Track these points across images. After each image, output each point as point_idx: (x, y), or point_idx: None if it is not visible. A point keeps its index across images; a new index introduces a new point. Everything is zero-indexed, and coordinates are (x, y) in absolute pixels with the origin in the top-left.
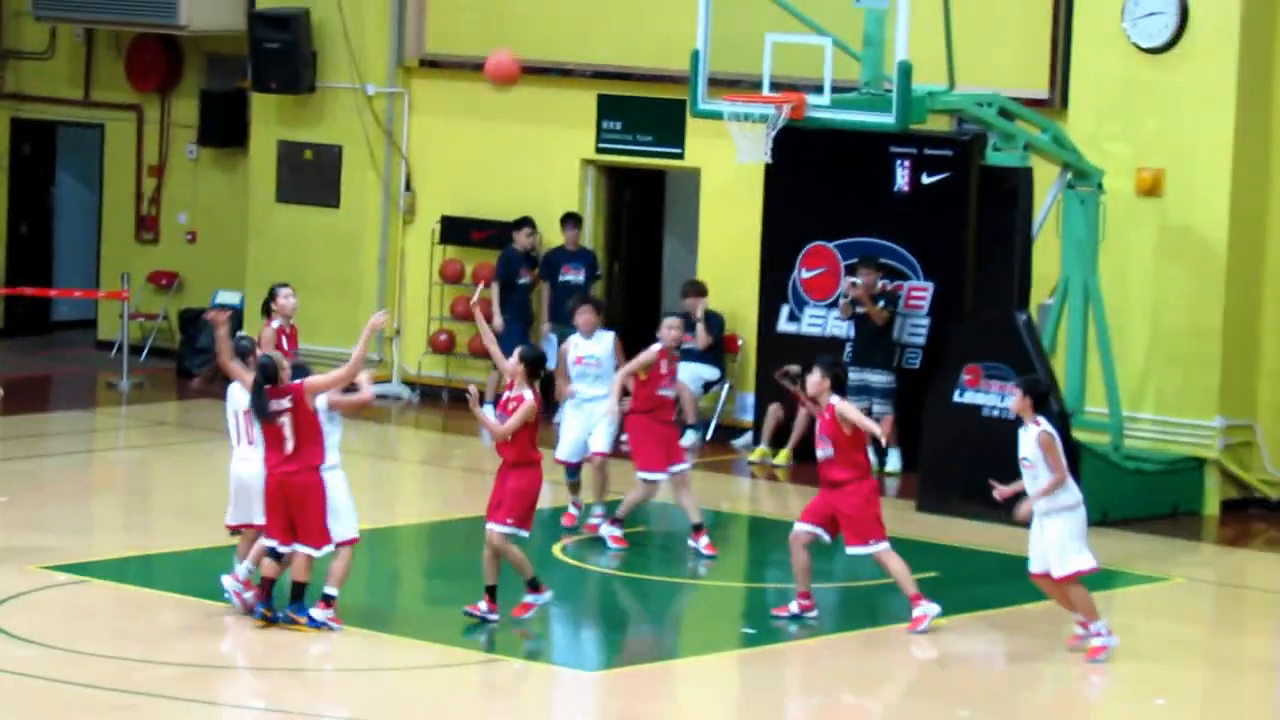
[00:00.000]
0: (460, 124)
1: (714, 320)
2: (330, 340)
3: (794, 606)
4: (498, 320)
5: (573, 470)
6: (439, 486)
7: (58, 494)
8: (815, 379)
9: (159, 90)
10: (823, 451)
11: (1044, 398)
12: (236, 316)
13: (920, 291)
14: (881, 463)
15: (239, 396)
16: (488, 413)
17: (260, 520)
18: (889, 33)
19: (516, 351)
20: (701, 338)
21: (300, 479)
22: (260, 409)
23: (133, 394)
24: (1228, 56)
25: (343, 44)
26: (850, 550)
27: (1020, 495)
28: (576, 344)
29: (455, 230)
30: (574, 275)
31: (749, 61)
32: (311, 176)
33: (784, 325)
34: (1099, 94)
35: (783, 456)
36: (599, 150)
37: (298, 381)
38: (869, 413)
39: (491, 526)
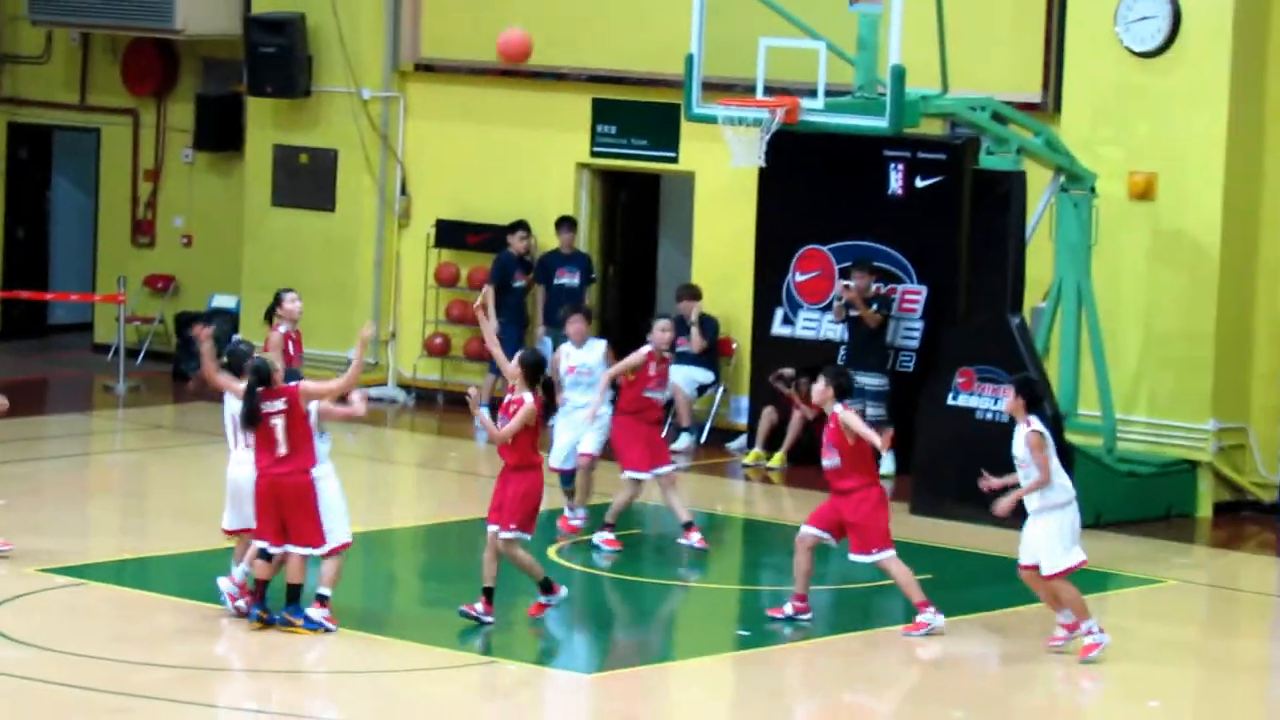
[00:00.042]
0: (455, 128)
1: (708, 323)
2: (326, 344)
3: (789, 608)
4: (493, 323)
5: (567, 478)
6: (434, 489)
7: (54, 497)
8: (819, 387)
9: (155, 94)
10: (829, 460)
11: (1037, 398)
12: (232, 320)
13: (914, 295)
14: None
15: (236, 401)
16: (487, 415)
17: None
18: (882, 37)
19: (517, 355)
20: (696, 341)
21: (292, 480)
22: (251, 413)
23: (129, 397)
24: (1220, 60)
25: (338, 48)
26: (853, 557)
27: (1007, 489)
28: (568, 353)
29: (450, 234)
30: (569, 279)
31: (743, 65)
32: (307, 180)
33: (778, 328)
34: (1092, 98)
35: (777, 459)
36: (594, 154)
37: (293, 384)
38: (862, 415)
39: (493, 530)
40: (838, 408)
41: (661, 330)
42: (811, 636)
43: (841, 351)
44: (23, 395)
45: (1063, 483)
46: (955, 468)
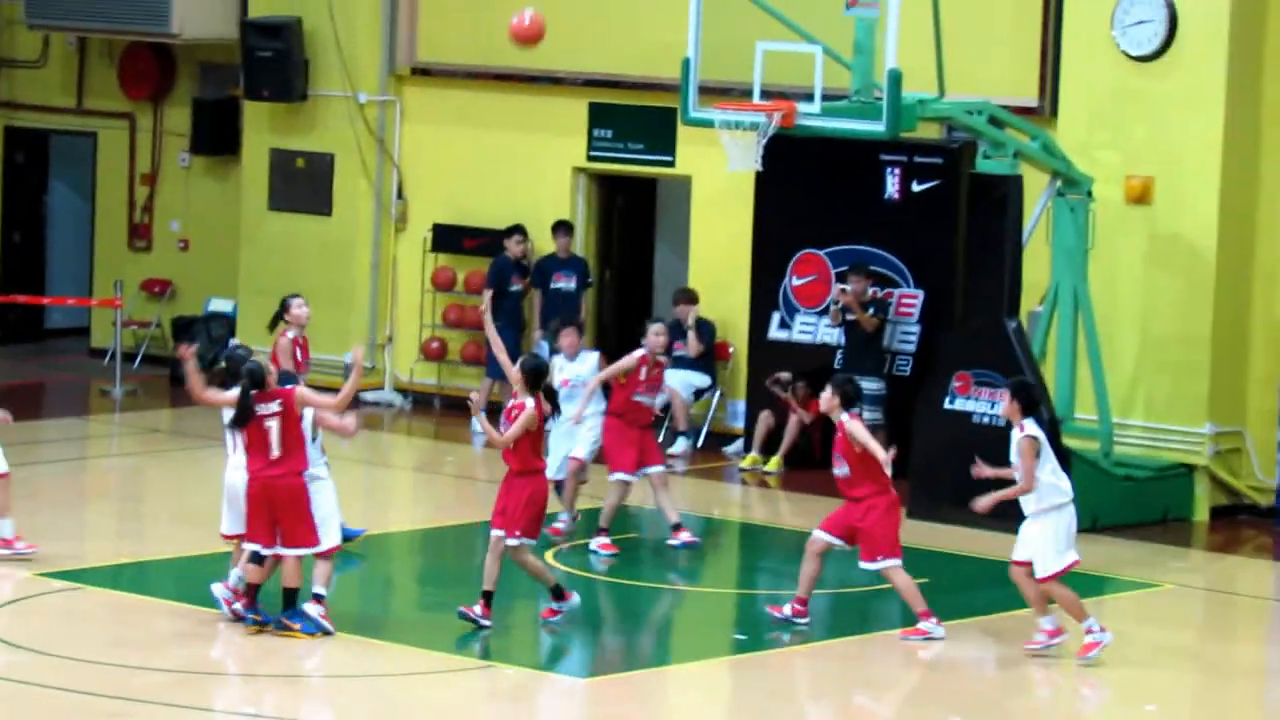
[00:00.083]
0: (452, 132)
1: (705, 328)
2: (323, 348)
3: (788, 609)
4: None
5: (560, 488)
6: (431, 493)
7: (51, 501)
8: (826, 395)
9: (152, 98)
10: (839, 470)
11: (1033, 402)
12: (229, 324)
13: (910, 299)
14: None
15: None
16: (487, 421)
17: None
18: (879, 41)
19: (519, 361)
20: (693, 345)
21: (284, 483)
22: (244, 415)
23: (126, 401)
24: (1216, 64)
25: (334, 52)
26: (861, 564)
27: (1001, 483)
28: (561, 366)
29: (447, 238)
30: (565, 283)
31: (740, 69)
32: (304, 184)
33: (775, 333)
34: (1088, 102)
35: (773, 464)
36: (590, 158)
37: (288, 387)
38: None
39: (497, 534)
40: (844, 417)
41: (655, 334)
42: (809, 640)
43: (838, 356)
44: (19, 399)
45: (1060, 484)
46: (952, 472)
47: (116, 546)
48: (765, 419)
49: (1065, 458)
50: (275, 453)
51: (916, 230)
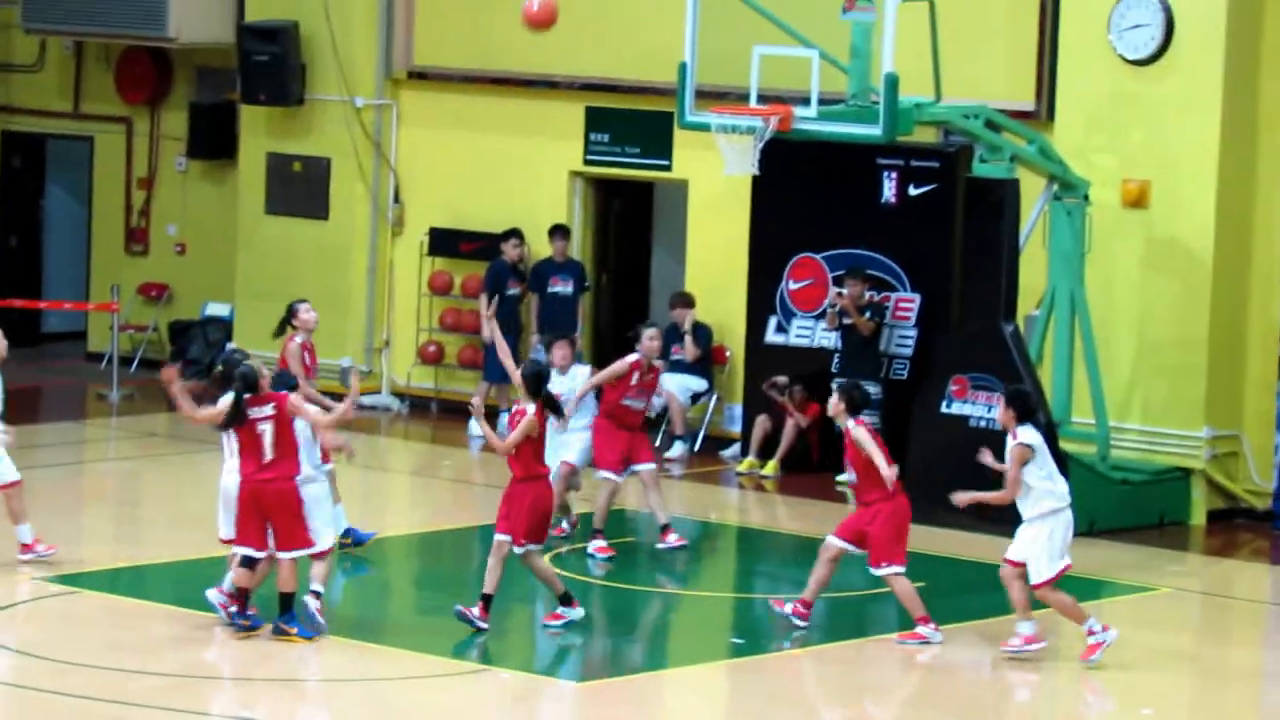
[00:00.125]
0: (448, 136)
1: (702, 332)
2: (320, 352)
3: (789, 607)
4: (486, 331)
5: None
6: (428, 497)
7: (49, 505)
8: (833, 401)
9: (148, 103)
10: (849, 475)
11: (1028, 410)
12: (226, 328)
13: (907, 302)
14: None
15: None
16: (489, 427)
17: None
18: (876, 45)
19: (521, 367)
20: (690, 350)
21: (276, 487)
22: (236, 418)
23: (123, 405)
24: (1213, 68)
25: (331, 56)
26: (870, 568)
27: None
28: (552, 380)
29: (444, 242)
30: (562, 286)
31: (736, 74)
32: (300, 188)
33: (772, 336)
34: (1085, 106)
35: (770, 468)
36: (587, 162)
37: (282, 392)
38: None
39: (502, 539)
40: (850, 423)
41: (649, 339)
42: (806, 644)
43: (835, 359)
44: (16, 404)
45: (1056, 490)
46: (949, 476)
47: (114, 550)
48: (762, 423)
49: (1062, 461)
50: (268, 456)
51: (913, 234)
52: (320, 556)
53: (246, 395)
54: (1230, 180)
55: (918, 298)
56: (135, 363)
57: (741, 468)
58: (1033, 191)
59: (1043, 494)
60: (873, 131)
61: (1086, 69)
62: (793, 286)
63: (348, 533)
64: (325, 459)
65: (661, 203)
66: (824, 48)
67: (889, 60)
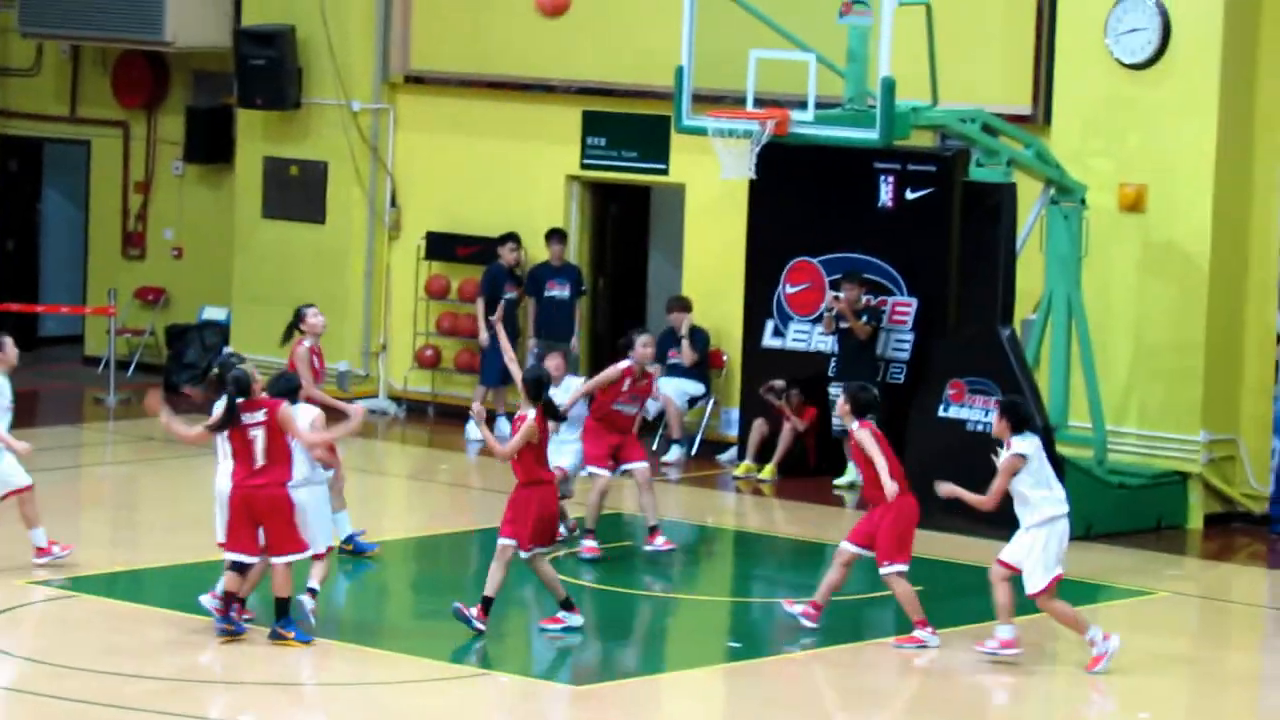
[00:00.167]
0: (445, 140)
1: (699, 336)
2: None
3: (799, 608)
4: (483, 335)
5: None
6: (425, 501)
7: (45, 509)
8: (840, 403)
9: (145, 107)
10: (858, 476)
11: (1022, 420)
12: (222, 332)
13: (904, 307)
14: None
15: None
16: (490, 434)
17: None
18: (872, 49)
19: (523, 371)
20: (687, 355)
21: (267, 493)
22: (226, 421)
23: (120, 409)
24: (1209, 72)
25: (328, 60)
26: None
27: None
28: None
29: (440, 246)
30: (559, 290)
31: (733, 77)
32: (297, 192)
33: (769, 340)
34: (1082, 110)
35: (767, 471)
36: (584, 166)
37: (275, 399)
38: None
39: (508, 544)
40: (854, 425)
41: (643, 345)
42: (803, 648)
43: (832, 363)
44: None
45: (1052, 497)
46: (945, 479)
47: (111, 554)
48: (759, 427)
49: (1059, 466)
50: (259, 462)
51: (910, 238)
52: (319, 558)
53: (240, 400)
54: (1227, 184)
55: (914, 302)
56: (132, 367)
57: (738, 471)
58: (1030, 195)
59: (1038, 502)
60: (869, 135)
61: (1083, 73)
62: (789, 290)
63: (349, 539)
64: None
65: (658, 207)
66: (821, 51)
67: (886, 64)
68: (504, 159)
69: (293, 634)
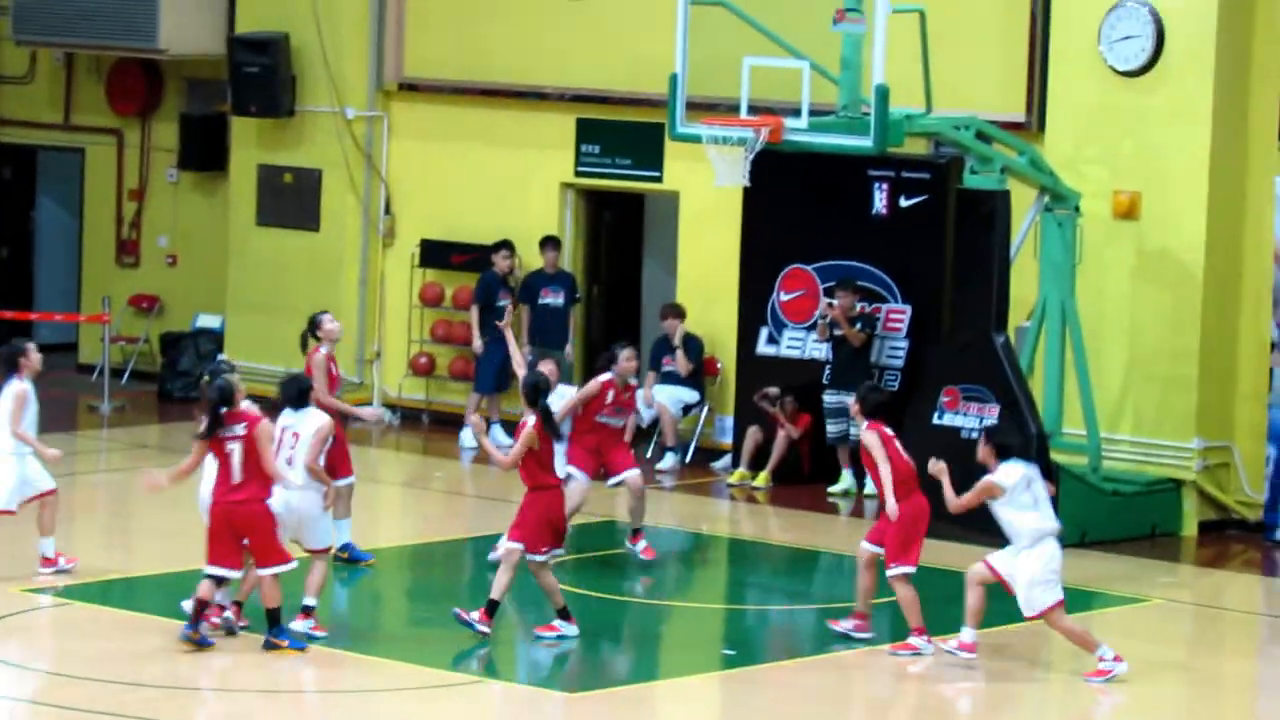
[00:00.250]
0: (439, 147)
1: (693, 343)
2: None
3: (848, 624)
4: (477, 343)
5: None
6: (420, 508)
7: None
8: (851, 403)
9: (139, 114)
10: (851, 483)
11: (1006, 446)
12: (217, 339)
13: (898, 314)
14: (861, 485)
15: None
16: (490, 444)
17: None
18: (866, 56)
19: (522, 378)
20: (682, 364)
21: (246, 509)
22: (209, 430)
23: (114, 417)
24: (1203, 79)
25: (322, 68)
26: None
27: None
28: None
29: (435, 253)
30: (553, 298)
31: (727, 85)
32: (291, 200)
33: (763, 348)
34: (1076, 117)
35: (762, 479)
36: (578, 174)
37: (256, 415)
38: (846, 436)
39: (513, 547)
40: (862, 426)
41: (626, 359)
42: (798, 655)
43: (826, 371)
44: None
45: (1036, 520)
46: (940, 487)
47: (105, 562)
48: (753, 434)
49: (1053, 474)
50: (237, 478)
51: (904, 245)
52: (319, 555)
53: (222, 409)
54: (1221, 191)
55: (909, 309)
56: (126, 374)
57: (733, 479)
58: (1024, 203)
59: (1021, 525)
60: (863, 143)
61: (1077, 80)
62: (784, 298)
63: (345, 547)
64: (345, 473)
65: (652, 214)
66: (814, 59)
67: (879, 71)
68: (498, 166)
69: (287, 642)
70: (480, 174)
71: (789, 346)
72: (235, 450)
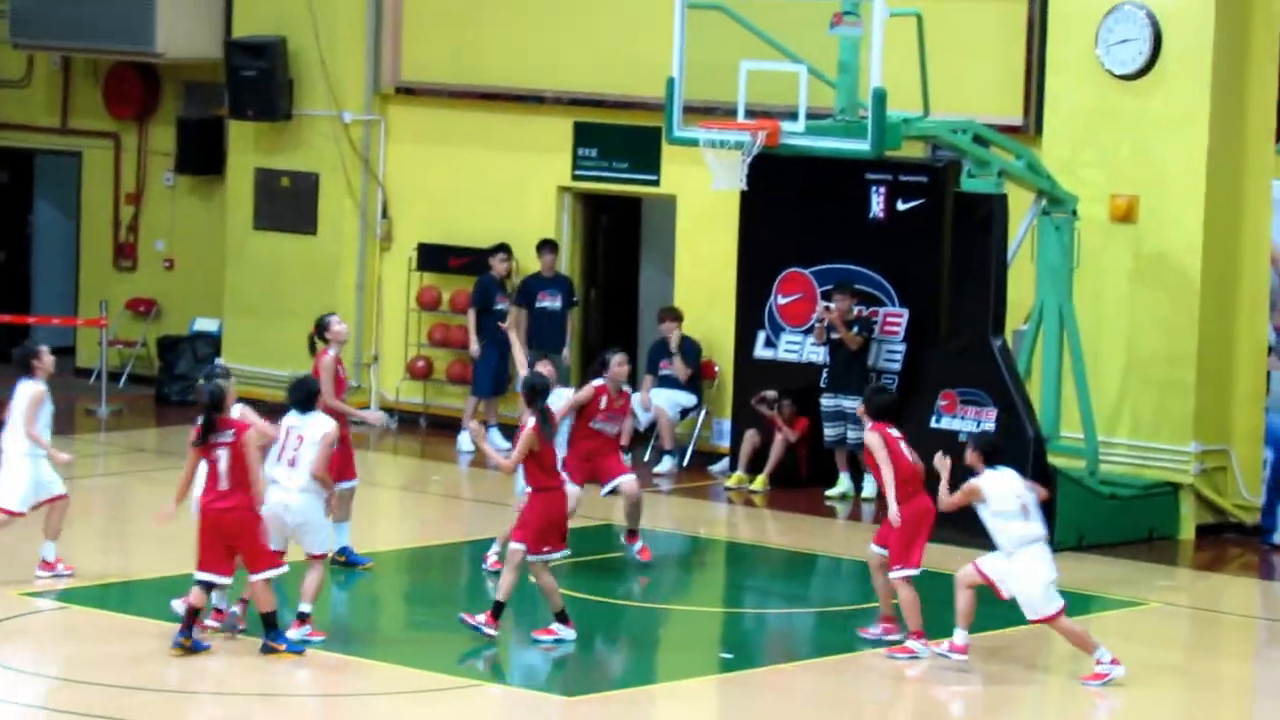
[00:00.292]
0: (436, 151)
1: (690, 348)
2: (307, 367)
3: (876, 630)
4: (474, 346)
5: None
6: (417, 512)
7: (37, 520)
8: (858, 406)
9: (136, 118)
10: (849, 486)
11: (993, 450)
12: (214, 343)
13: (895, 317)
14: (858, 488)
15: None
16: (490, 449)
17: None
18: (863, 59)
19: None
20: (680, 370)
21: (233, 516)
22: (201, 434)
23: (111, 421)
24: (1200, 82)
25: (319, 72)
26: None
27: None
28: None
29: (432, 257)
30: (550, 302)
31: (724, 88)
32: (288, 204)
33: (760, 351)
34: (1073, 120)
35: (759, 482)
36: (575, 177)
37: (245, 422)
38: (843, 439)
39: (515, 547)
40: (867, 427)
41: (618, 364)
42: (795, 658)
43: (823, 374)
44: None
45: (1020, 527)
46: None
47: (103, 566)
48: (751, 437)
49: (1050, 478)
50: (223, 484)
51: (901, 249)
52: (316, 560)
53: (213, 413)
54: (1218, 195)
55: (906, 312)
56: (124, 378)
57: (730, 482)
58: (1021, 206)
59: (1005, 531)
60: (861, 146)
61: (1074, 84)
62: (781, 301)
63: (343, 550)
64: (350, 476)
65: (650, 218)
66: (812, 62)
67: (877, 75)
68: (495, 170)
69: (284, 645)
70: (477, 177)
71: (786, 350)
72: (222, 457)
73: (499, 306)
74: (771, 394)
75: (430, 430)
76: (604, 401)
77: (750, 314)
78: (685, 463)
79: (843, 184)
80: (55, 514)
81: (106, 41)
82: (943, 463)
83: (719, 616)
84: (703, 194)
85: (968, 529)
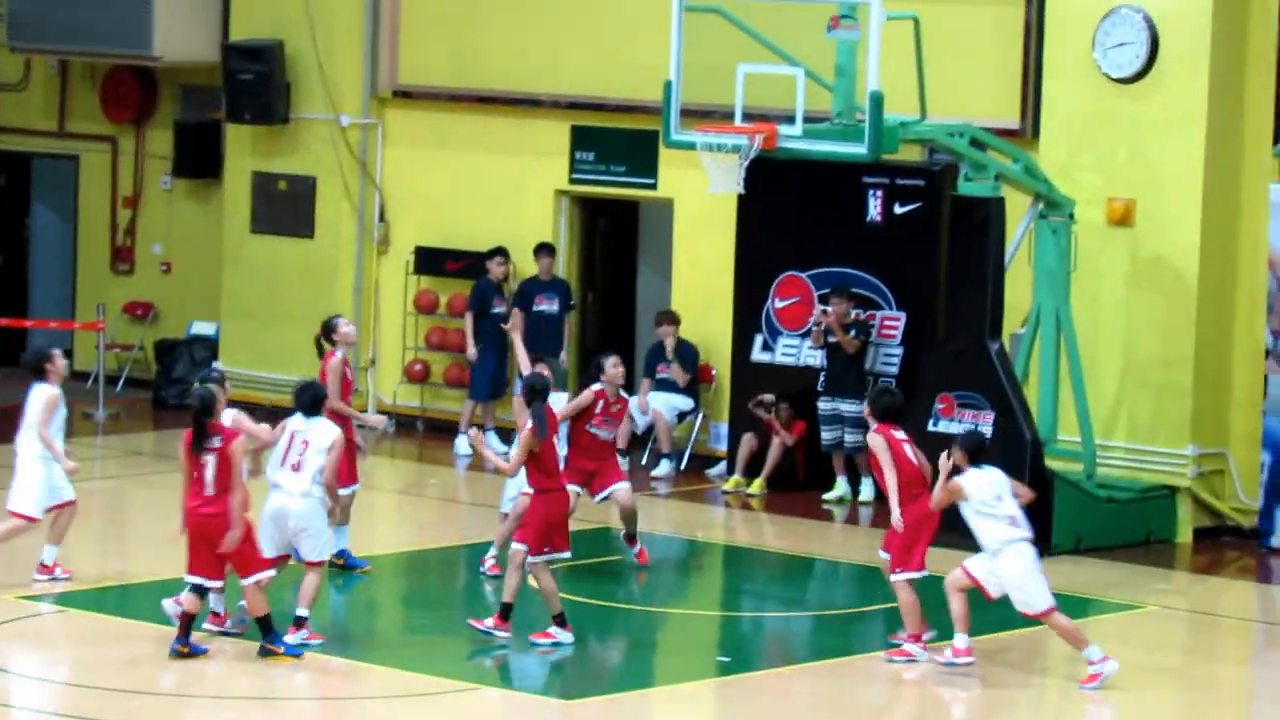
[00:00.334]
0: (434, 155)
1: (687, 351)
2: (305, 371)
3: (904, 634)
4: (472, 350)
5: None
6: (415, 515)
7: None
8: (864, 408)
9: (134, 121)
10: (846, 490)
11: (980, 449)
12: (211, 347)
13: (892, 321)
14: (856, 491)
15: None
16: (490, 452)
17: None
18: (860, 63)
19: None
20: (679, 375)
21: (219, 521)
22: (194, 439)
23: (108, 424)
24: (1197, 85)
25: (316, 75)
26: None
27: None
28: None
29: (429, 260)
30: (548, 305)
31: (721, 92)
32: (286, 207)
33: (757, 355)
34: (1070, 124)
35: (756, 486)
36: (572, 181)
37: (233, 429)
38: (840, 443)
39: (517, 548)
40: (872, 428)
41: (613, 367)
42: (793, 661)
43: (820, 378)
44: (3, 422)
45: (1003, 527)
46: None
47: (100, 569)
48: (748, 441)
49: (1047, 481)
50: (209, 490)
51: (898, 252)
52: (313, 567)
53: (204, 418)
54: (1215, 198)
55: (903, 316)
56: (121, 382)
57: (727, 486)
58: (1018, 210)
59: (987, 530)
60: (858, 150)
61: (1071, 87)
62: (778, 305)
63: (341, 554)
64: (351, 480)
65: (647, 221)
66: (809, 66)
67: (874, 78)
68: (492, 173)
69: (282, 648)
70: (475, 181)
71: (784, 354)
72: (209, 462)
73: (496, 310)
74: (769, 397)
75: (427, 434)
76: (600, 405)
77: (747, 317)
78: (683, 466)
79: (840, 187)
80: (63, 519)
81: (104, 45)
82: (946, 464)
83: (716, 620)
84: (700, 197)
85: (968, 530)
